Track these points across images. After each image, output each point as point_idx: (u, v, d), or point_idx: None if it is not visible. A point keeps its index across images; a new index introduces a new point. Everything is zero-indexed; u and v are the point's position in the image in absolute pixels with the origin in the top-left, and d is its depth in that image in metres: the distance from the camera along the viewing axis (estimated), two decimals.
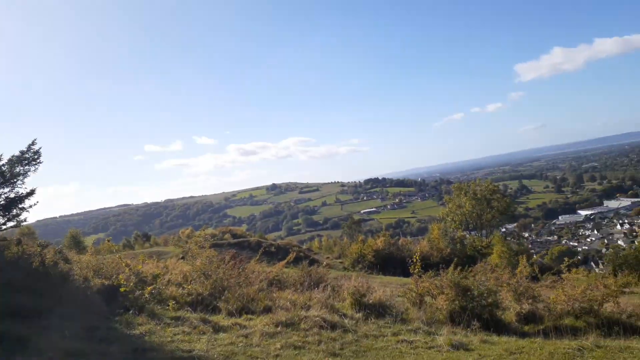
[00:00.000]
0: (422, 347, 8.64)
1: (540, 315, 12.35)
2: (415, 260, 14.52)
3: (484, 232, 56.12)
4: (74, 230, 38.88)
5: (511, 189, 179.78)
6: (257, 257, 16.12)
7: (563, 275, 12.97)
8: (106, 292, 11.00)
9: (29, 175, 13.57)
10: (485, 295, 11.92)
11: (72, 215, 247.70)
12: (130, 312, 9.60)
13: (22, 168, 13.39)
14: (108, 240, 16.34)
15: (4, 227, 13.79)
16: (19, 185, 13.50)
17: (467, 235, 52.47)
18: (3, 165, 13.15)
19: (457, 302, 11.69)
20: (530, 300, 12.66)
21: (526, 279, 14.47)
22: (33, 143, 13.74)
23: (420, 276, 13.58)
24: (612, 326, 10.55)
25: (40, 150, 13.67)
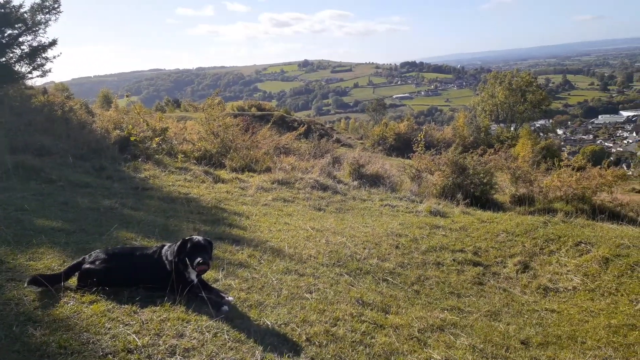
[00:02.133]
0: (402, 211, 9.27)
1: (533, 198, 12.69)
2: (419, 138, 14.86)
3: (514, 125, 55.20)
4: (106, 90, 39.89)
5: (553, 83, 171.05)
6: (269, 125, 16.63)
7: (562, 163, 13.06)
8: (121, 142, 11.81)
9: (50, 25, 13.84)
10: (481, 175, 12.31)
11: (106, 75, 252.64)
12: (140, 159, 10.41)
13: (43, 17, 13.61)
14: (130, 97, 16.97)
15: (29, 75, 14.44)
16: (41, 35, 13.87)
17: (495, 127, 51.85)
18: (25, 12, 13.39)
19: (451, 178, 12.15)
20: (527, 184, 12.95)
21: (534, 166, 14.74)
22: None
23: (421, 154, 14.01)
24: (600, 213, 10.79)
25: None
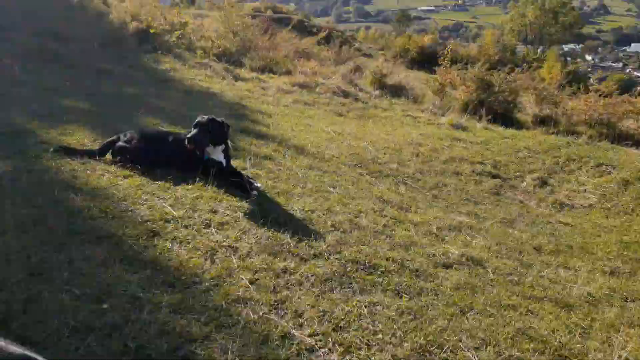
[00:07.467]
0: (424, 123, 9.19)
1: (556, 120, 12.38)
2: (446, 52, 14.28)
3: (542, 47, 52.89)
4: None
5: (588, 6, 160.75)
6: (290, 27, 16.05)
7: (591, 87, 12.63)
8: (139, 34, 11.49)
9: None
10: (506, 93, 11.99)
11: None
12: (159, 52, 10.20)
13: None
14: None
15: None
16: None
17: (522, 47, 49.71)
18: None
19: (475, 94, 11.84)
20: (552, 106, 12.61)
21: (559, 88, 14.25)
22: None
23: (447, 68, 13.55)
24: (625, 140, 10.54)
25: None
